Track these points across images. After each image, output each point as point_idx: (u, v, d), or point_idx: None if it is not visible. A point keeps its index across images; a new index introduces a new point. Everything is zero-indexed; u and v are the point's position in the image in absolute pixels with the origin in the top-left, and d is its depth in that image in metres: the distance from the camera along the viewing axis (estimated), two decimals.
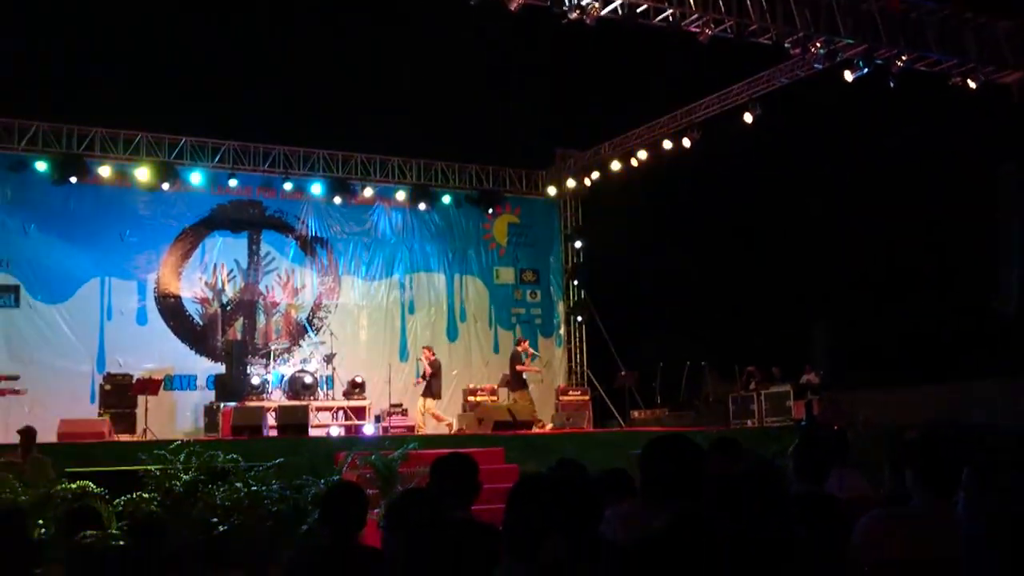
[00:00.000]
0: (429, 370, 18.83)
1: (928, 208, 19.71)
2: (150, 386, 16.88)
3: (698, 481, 3.55)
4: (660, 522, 3.26)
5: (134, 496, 11.68)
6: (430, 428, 18.46)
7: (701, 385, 21.20)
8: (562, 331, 23.42)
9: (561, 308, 23.54)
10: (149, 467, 12.12)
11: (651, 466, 3.58)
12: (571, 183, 22.69)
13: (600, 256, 23.07)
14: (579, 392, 20.64)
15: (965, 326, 19.34)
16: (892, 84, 15.98)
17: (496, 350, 22.36)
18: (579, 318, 23.27)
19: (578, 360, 23.12)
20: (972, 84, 16.54)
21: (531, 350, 20.03)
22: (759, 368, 20.31)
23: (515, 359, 19.55)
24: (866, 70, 15.75)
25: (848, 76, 15.94)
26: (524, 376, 19.45)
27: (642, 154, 20.53)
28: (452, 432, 18.32)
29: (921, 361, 18.95)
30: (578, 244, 23.43)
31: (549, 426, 19.07)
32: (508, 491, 3.09)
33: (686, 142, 19.57)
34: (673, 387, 20.87)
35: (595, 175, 21.88)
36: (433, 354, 19.24)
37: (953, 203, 19.39)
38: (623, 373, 20.63)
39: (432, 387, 18.87)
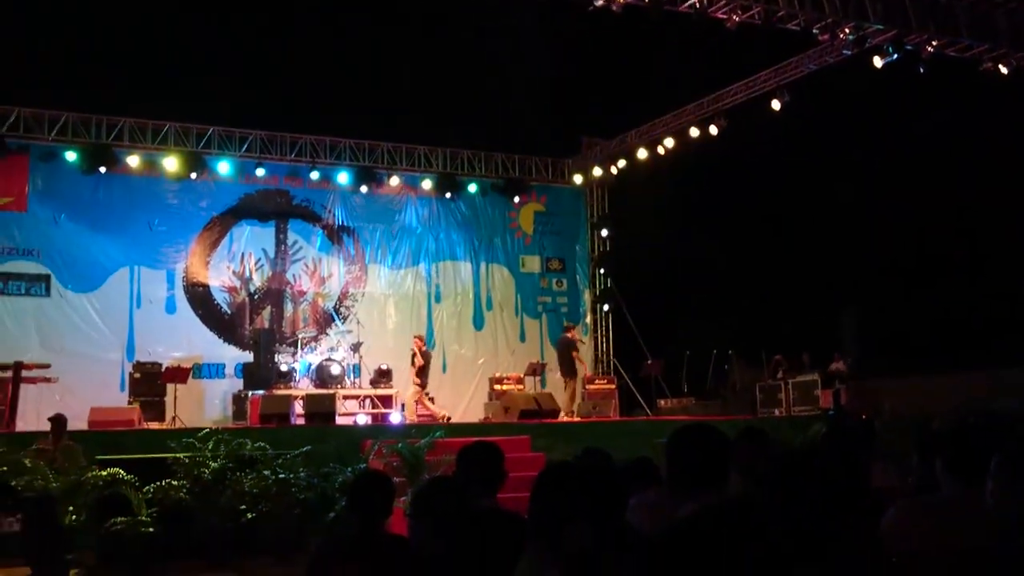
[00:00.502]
0: (421, 360, 18.42)
1: (959, 194, 19.52)
2: (179, 374, 17.01)
3: (724, 471, 3.53)
4: (686, 512, 3.25)
5: (163, 484, 11.80)
6: (442, 416, 18.35)
7: (728, 374, 21.14)
8: (588, 320, 23.40)
9: (587, 296, 23.52)
10: (178, 455, 12.24)
11: (677, 455, 3.57)
12: (597, 171, 22.64)
13: (627, 244, 23.02)
14: (605, 381, 20.63)
15: (995, 312, 19.16)
16: (922, 70, 15.81)
17: (522, 339, 22.38)
18: (605, 307, 23.24)
19: (604, 349, 23.09)
20: (1004, 69, 16.34)
21: (579, 336, 19.89)
22: (787, 356, 20.21)
23: (570, 346, 19.37)
24: (896, 56, 15.58)
25: (877, 62, 15.78)
26: (576, 364, 19.35)
27: (669, 142, 20.45)
28: (478, 420, 18.32)
29: (950, 348, 18.78)
30: (604, 232, 23.38)
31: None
32: (534, 479, 3.09)
33: (713, 130, 19.47)
34: (700, 376, 20.82)
35: (621, 163, 21.82)
36: (424, 343, 19.03)
37: (984, 189, 19.19)
38: (649, 362, 20.61)
39: (422, 377, 18.53)
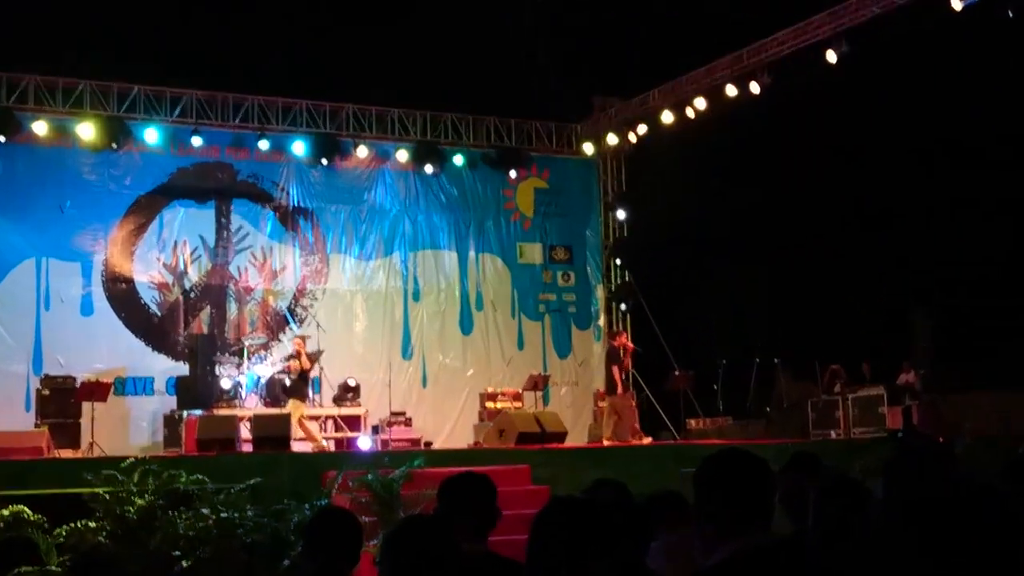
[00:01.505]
0: (308, 364, 18.03)
1: None
2: (97, 391, 16.98)
3: (767, 507, 3.54)
4: (719, 557, 3.26)
5: (78, 525, 11.78)
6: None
7: (773, 387, 21.14)
8: (601, 322, 23.42)
9: (600, 293, 23.55)
10: (96, 489, 12.21)
11: (709, 488, 3.57)
12: (612, 139, 22.64)
13: (648, 229, 23.00)
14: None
15: None
16: (1011, 13, 15.80)
17: (520, 345, 22.42)
18: (622, 305, 23.25)
19: None
20: None
21: (631, 344, 19.63)
22: (845, 366, 20.23)
23: (612, 357, 19.24)
24: None
25: (956, 4, 15.78)
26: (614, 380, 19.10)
27: (700, 103, 20.46)
28: (466, 446, 18.31)
29: None
30: (621, 214, 23.39)
31: (647, 439, 18.70)
32: (533, 518, 3.10)
33: (754, 87, 19.46)
34: (738, 390, 20.82)
35: (642, 129, 21.82)
36: (305, 345, 18.37)
37: None
38: (677, 373, 20.61)
39: (301, 387, 17.93)
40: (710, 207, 21.50)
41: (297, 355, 17.93)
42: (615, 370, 18.84)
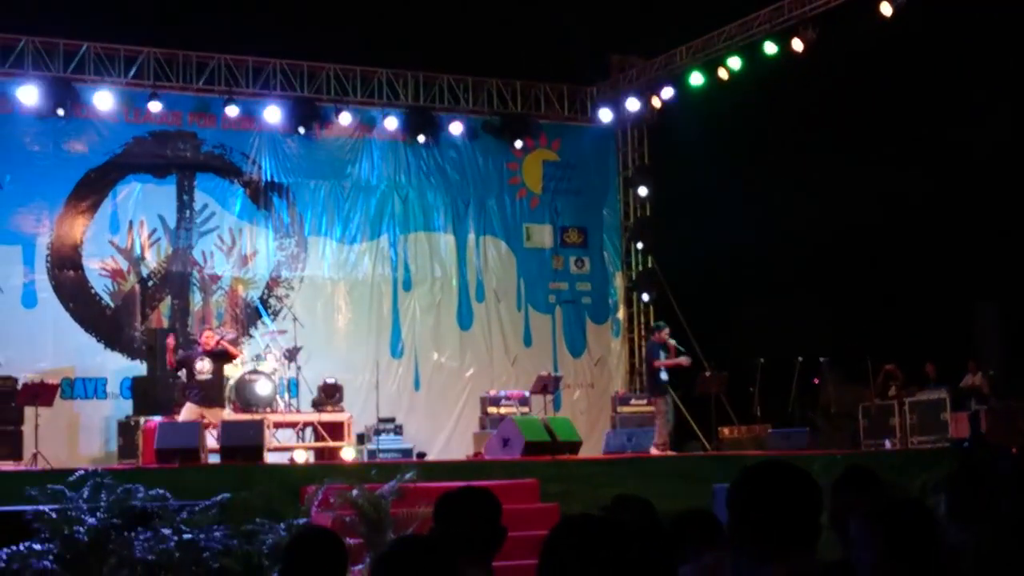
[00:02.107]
0: (234, 348, 17.76)
1: None
2: (42, 393, 16.98)
3: (813, 527, 3.54)
4: None
5: (21, 549, 11.79)
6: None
7: (819, 390, 21.14)
8: (621, 315, 23.43)
9: (619, 282, 23.56)
10: (41, 507, 12.23)
11: (746, 505, 3.57)
12: (633, 104, 22.61)
13: (674, 207, 23.00)
14: (644, 401, 20.61)
15: None
16: None
17: (528, 342, 22.44)
18: (644, 296, 23.24)
19: (643, 356, 23.10)
20: None
21: (672, 342, 19.46)
22: (901, 366, 20.21)
23: (651, 353, 19.20)
24: None
25: None
26: (664, 378, 18.96)
27: (734, 62, 20.44)
28: (465, 457, 18.33)
29: None
30: (643, 191, 23.38)
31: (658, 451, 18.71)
32: (543, 541, 3.09)
33: (797, 44, 19.42)
34: (778, 393, 20.82)
35: (667, 92, 21.79)
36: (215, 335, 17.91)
37: None
38: (708, 374, 20.59)
39: (213, 392, 17.43)
40: (745, 183, 21.46)
41: (210, 351, 17.28)
42: (657, 366, 18.79)
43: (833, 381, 21.07)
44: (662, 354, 18.61)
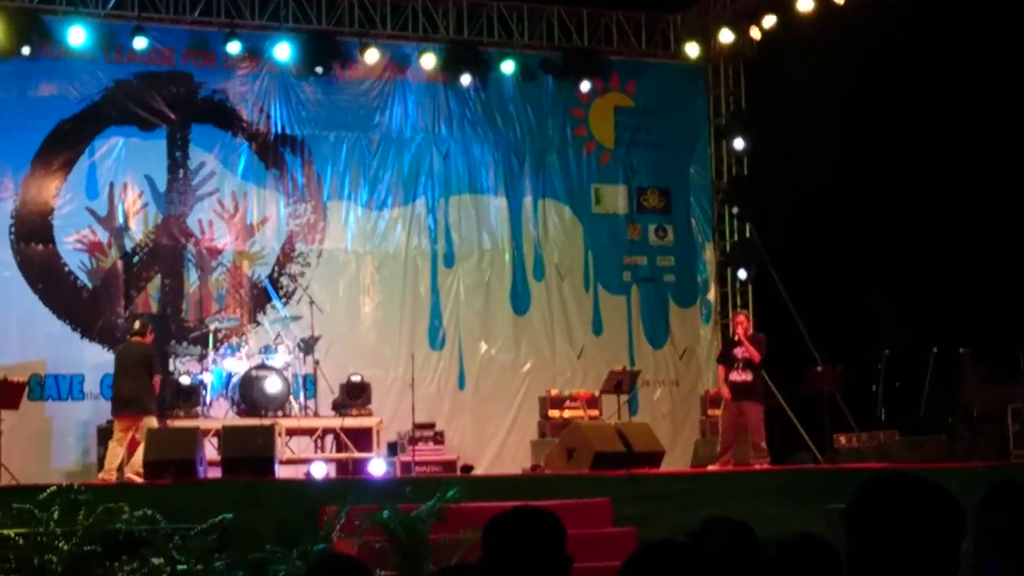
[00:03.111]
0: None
1: None
2: (7, 393, 17.18)
3: (952, 559, 3.57)
4: None
5: None
6: None
7: (958, 389, 21.05)
8: (711, 295, 23.44)
9: (710, 255, 23.56)
10: (7, 531, 12.38)
11: (868, 531, 3.61)
12: (727, 36, 22.58)
13: (778, 164, 22.90)
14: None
15: None
16: None
17: (598, 330, 22.50)
18: (741, 273, 23.20)
19: None
20: None
21: (750, 331, 19.26)
22: None
23: (729, 345, 19.20)
24: None
25: None
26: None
27: None
28: (521, 471, 18.39)
29: None
30: (739, 143, 23.35)
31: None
32: (617, 572, 3.15)
33: None
34: (907, 393, 20.77)
35: (769, 21, 21.74)
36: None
37: None
38: (819, 369, 20.62)
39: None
40: (866, 133, 21.34)
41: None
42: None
43: (976, 377, 20.95)
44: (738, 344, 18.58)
